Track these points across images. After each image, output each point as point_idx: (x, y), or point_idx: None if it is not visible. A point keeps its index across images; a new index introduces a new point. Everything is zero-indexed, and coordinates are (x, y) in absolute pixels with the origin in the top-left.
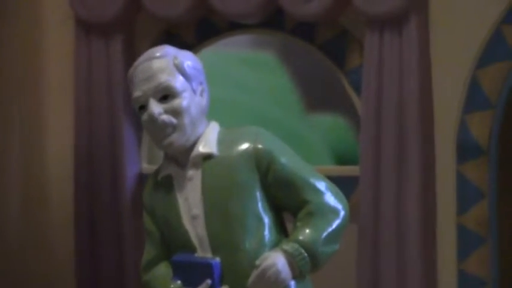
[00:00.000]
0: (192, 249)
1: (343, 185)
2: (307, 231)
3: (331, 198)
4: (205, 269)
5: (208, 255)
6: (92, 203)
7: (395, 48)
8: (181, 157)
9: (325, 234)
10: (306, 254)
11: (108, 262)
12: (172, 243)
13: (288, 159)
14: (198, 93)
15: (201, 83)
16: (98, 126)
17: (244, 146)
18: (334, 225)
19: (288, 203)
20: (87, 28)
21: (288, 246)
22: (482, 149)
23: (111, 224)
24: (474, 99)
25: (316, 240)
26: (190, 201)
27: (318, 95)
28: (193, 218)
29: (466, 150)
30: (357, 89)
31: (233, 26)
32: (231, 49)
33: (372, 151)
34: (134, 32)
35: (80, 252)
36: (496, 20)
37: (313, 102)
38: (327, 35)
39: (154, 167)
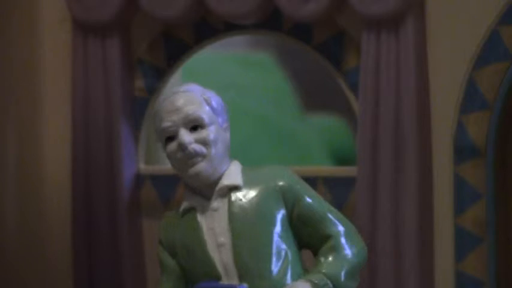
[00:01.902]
0: (217, 277)
1: (341, 185)
2: (331, 264)
3: (351, 236)
4: None
5: (235, 282)
6: (89, 203)
7: (392, 48)
8: (206, 190)
9: (347, 268)
10: (331, 285)
11: (105, 262)
12: (195, 273)
13: (311, 197)
14: (223, 129)
15: (226, 121)
16: (95, 127)
17: (271, 181)
18: (355, 261)
19: (310, 238)
20: (84, 29)
21: (314, 277)
22: (479, 150)
23: (108, 224)
24: (471, 100)
25: (340, 273)
26: (216, 230)
27: (315, 96)
28: (220, 246)
29: (463, 151)
30: (354, 90)
31: (230, 27)
32: (228, 50)
33: (369, 152)
34: (131, 33)
35: (76, 252)
36: (493, 20)
37: (311, 103)
38: (323, 35)
39: (151, 168)
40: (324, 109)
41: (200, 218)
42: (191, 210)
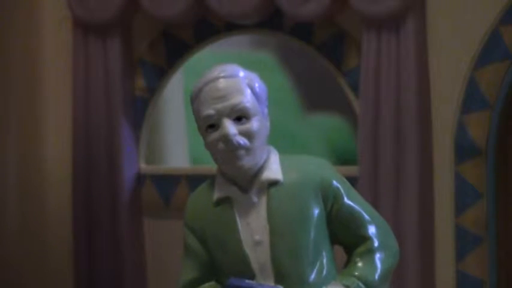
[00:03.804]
0: (250, 275)
1: None
2: (366, 267)
3: (387, 239)
4: None
5: (270, 282)
6: (90, 203)
7: (392, 48)
8: (243, 181)
9: (381, 271)
10: None
11: (106, 262)
12: (227, 267)
13: (351, 196)
14: (265, 116)
15: (266, 106)
16: (95, 126)
17: (311, 176)
18: (390, 264)
19: (345, 237)
20: (85, 29)
21: (349, 281)
22: (480, 149)
23: (108, 223)
24: (472, 99)
25: (374, 277)
26: (252, 227)
27: (316, 95)
28: (256, 243)
29: (464, 150)
30: (355, 89)
31: (231, 27)
32: (229, 49)
33: (370, 151)
34: (132, 32)
35: (78, 252)
36: (494, 20)
37: (311, 102)
38: (324, 35)
39: (152, 167)
40: (324, 108)
41: (237, 210)
42: (225, 200)
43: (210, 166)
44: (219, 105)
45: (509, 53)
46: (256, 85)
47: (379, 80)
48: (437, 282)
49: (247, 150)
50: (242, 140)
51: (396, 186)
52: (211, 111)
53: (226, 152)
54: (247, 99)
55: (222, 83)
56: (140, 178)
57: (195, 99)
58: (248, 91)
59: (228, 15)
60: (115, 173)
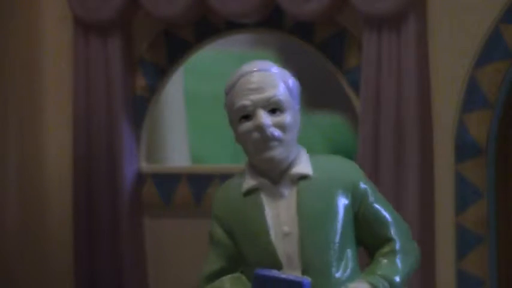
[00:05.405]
0: (278, 266)
1: None
2: (390, 267)
3: (409, 242)
4: (293, 287)
5: (297, 274)
6: (91, 201)
7: (393, 47)
8: (274, 174)
9: (404, 274)
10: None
11: (106, 261)
12: (254, 259)
13: (378, 198)
14: (297, 112)
15: (298, 103)
16: (96, 126)
17: (342, 176)
18: (412, 267)
19: (370, 238)
20: (86, 28)
21: (374, 280)
22: (480, 149)
23: (109, 222)
24: (472, 98)
25: (396, 277)
26: (281, 218)
27: (317, 94)
28: (285, 235)
29: (464, 149)
30: (356, 88)
31: (231, 26)
32: (229, 48)
33: (371, 150)
34: (133, 31)
35: (78, 251)
36: (494, 19)
37: (312, 101)
38: (325, 34)
39: (153, 166)
40: (325, 107)
41: (265, 202)
42: (254, 191)
43: (210, 165)
44: (255, 97)
45: (510, 52)
46: (290, 81)
47: (379, 78)
48: (438, 281)
49: (280, 141)
50: (276, 132)
51: (396, 185)
52: (246, 102)
53: (260, 142)
54: (282, 92)
55: (256, 76)
56: (141, 177)
57: (229, 92)
58: (282, 85)
59: (228, 14)
60: (115, 172)
